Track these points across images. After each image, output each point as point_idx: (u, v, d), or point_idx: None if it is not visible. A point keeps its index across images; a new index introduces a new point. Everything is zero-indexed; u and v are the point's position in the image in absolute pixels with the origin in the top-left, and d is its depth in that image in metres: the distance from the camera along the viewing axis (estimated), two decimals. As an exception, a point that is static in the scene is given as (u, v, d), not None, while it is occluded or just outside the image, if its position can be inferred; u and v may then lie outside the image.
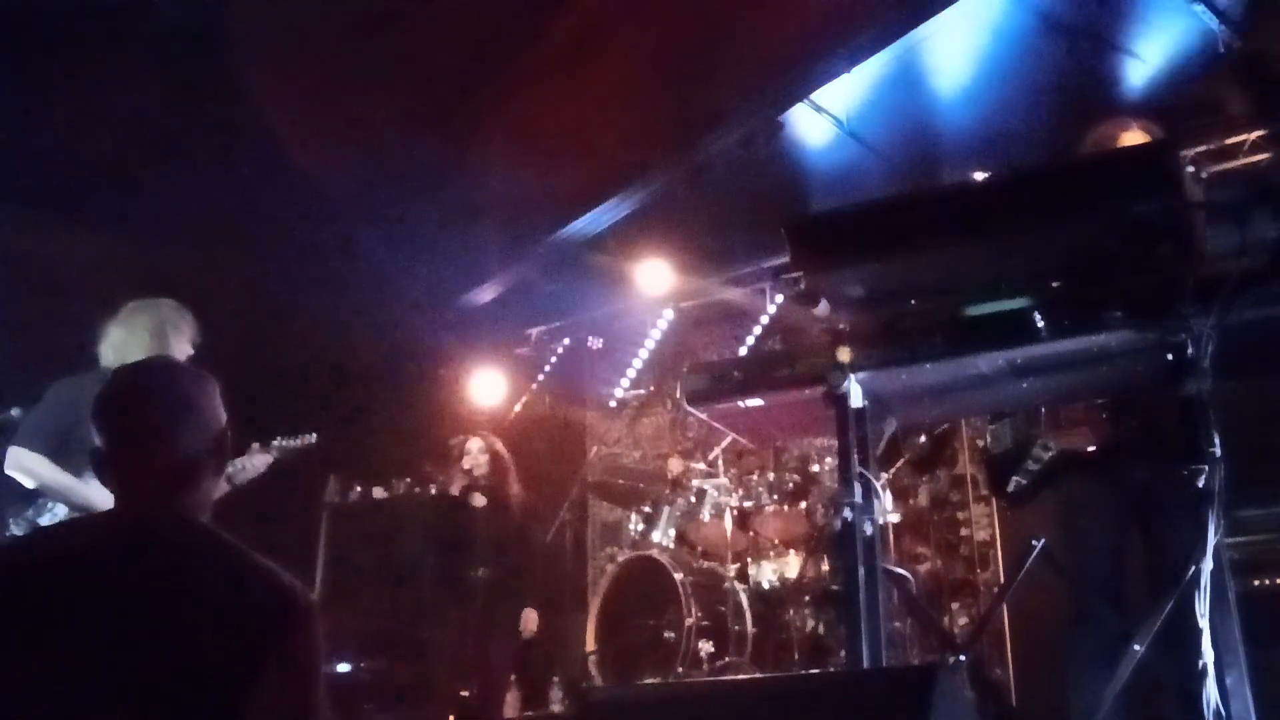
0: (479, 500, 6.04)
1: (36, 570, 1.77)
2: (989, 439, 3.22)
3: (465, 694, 5.78)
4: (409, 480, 6.85)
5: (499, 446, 6.17)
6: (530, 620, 5.92)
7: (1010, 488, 3.15)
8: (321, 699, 1.81)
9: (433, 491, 6.44)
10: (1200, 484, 2.03)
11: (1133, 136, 3.24)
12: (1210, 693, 1.95)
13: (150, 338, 4.46)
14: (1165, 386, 2.16)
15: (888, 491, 4.17)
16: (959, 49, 5.09)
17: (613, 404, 8.36)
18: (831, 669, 5.13)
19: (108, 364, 4.28)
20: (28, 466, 3.81)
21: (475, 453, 6.07)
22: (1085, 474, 3.13)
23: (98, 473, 1.93)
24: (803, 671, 5.24)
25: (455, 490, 6.09)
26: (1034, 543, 2.97)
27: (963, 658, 2.67)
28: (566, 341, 8.12)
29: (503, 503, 6.02)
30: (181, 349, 4.47)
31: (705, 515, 6.01)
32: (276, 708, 1.74)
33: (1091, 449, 3.09)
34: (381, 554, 6.47)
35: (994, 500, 5.89)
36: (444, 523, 6.14)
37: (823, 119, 5.65)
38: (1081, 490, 3.19)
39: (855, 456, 2.39)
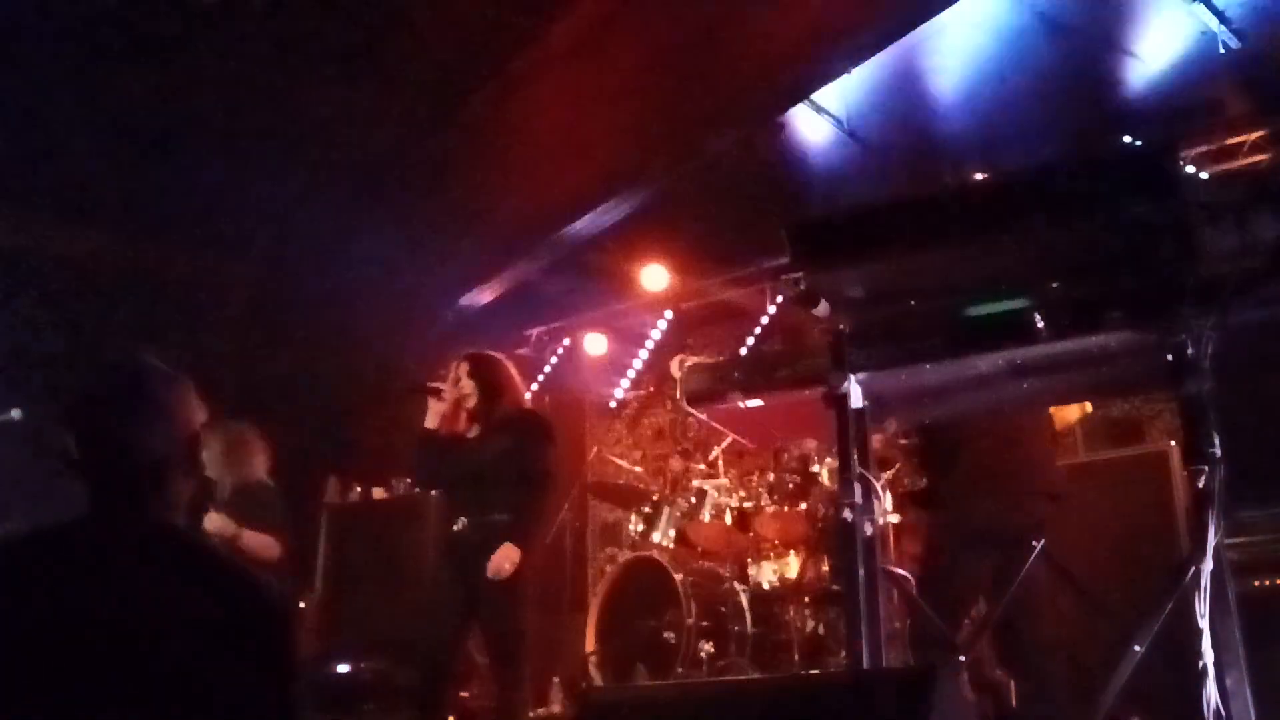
0: (472, 434, 4.59)
1: (8, 576, 1.77)
2: None
3: (465, 695, 5.72)
4: (409, 480, 6.75)
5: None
6: (510, 556, 4.19)
7: None
8: (299, 699, 1.81)
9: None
10: (1200, 484, 2.03)
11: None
12: (1210, 693, 1.95)
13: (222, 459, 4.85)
14: (1165, 386, 2.15)
15: (888, 492, 4.15)
16: (959, 49, 5.10)
17: (613, 404, 8.36)
18: (831, 669, 5.12)
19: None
20: None
21: (463, 379, 4.58)
22: None
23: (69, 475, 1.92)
24: (803, 671, 5.23)
25: (432, 423, 4.61)
26: (1034, 543, 2.98)
27: (962, 658, 2.67)
28: (566, 341, 8.11)
29: (501, 427, 4.48)
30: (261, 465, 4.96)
31: (705, 515, 6.00)
32: (254, 709, 1.75)
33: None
34: (381, 554, 6.43)
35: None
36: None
37: (823, 119, 5.65)
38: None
39: (855, 457, 2.39)
